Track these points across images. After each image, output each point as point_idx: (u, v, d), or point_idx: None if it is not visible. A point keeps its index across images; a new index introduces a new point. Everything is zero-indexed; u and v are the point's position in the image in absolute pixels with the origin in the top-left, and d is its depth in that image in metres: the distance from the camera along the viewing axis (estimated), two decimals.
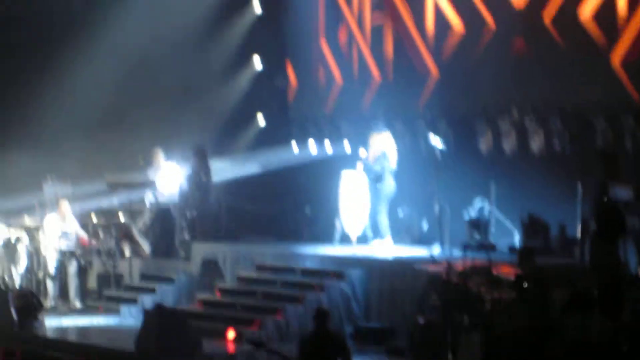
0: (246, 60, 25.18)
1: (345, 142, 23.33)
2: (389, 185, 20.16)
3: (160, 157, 22.83)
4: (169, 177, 22.74)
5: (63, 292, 21.65)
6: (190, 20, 24.35)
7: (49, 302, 21.12)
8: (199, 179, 22.51)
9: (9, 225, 22.74)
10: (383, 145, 20.27)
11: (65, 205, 22.11)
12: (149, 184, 23.30)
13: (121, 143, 24.91)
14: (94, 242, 22.64)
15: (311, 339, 14.11)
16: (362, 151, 20.70)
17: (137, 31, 23.37)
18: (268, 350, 14.28)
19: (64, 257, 21.65)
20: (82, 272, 21.96)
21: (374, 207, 20.28)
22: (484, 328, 14.96)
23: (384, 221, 20.17)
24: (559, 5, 19.77)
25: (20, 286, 21.38)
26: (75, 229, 22.03)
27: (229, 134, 24.91)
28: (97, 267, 22.42)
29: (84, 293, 21.86)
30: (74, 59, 23.92)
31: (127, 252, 22.81)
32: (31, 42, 24.18)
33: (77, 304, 21.29)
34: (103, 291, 21.89)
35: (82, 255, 22.06)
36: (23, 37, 24.10)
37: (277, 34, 25.25)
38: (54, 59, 23.99)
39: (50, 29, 24.44)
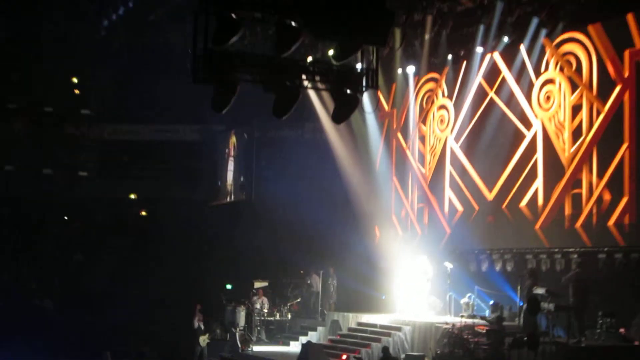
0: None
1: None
2: (427, 285, 20.43)
3: (315, 273, 23.50)
4: (317, 282, 23.33)
5: (259, 334, 22.47)
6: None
7: (254, 338, 22.22)
8: (334, 282, 23.16)
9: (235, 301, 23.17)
10: (425, 264, 20.57)
11: (261, 292, 23.09)
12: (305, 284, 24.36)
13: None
14: (275, 309, 23.32)
15: None
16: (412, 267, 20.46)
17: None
18: None
19: (259, 315, 22.66)
20: (267, 323, 22.87)
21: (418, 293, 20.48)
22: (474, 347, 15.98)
23: (423, 302, 20.42)
24: (510, 199, 20.20)
25: (241, 330, 21.92)
26: (265, 302, 22.84)
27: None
28: (275, 321, 23.07)
29: (269, 334, 22.72)
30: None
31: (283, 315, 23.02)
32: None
33: (265, 339, 22.29)
34: (280, 333, 22.57)
35: (268, 314, 22.82)
36: None
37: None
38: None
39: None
